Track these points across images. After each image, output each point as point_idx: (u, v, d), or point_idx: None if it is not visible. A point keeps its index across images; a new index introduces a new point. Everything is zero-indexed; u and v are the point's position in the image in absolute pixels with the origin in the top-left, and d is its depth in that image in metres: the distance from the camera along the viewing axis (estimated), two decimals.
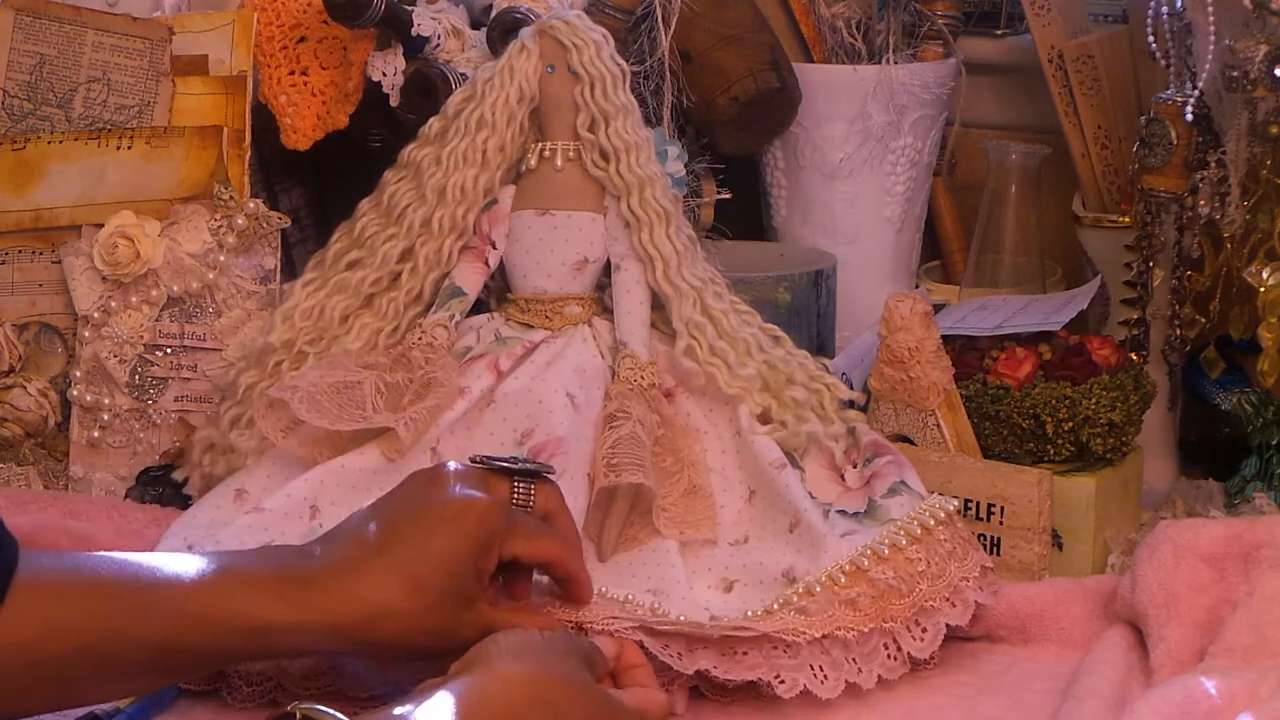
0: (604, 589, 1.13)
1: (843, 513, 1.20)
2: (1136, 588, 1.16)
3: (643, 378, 1.25)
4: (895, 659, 1.14)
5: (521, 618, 1.07)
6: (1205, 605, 1.14)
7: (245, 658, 1.07)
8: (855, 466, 1.25)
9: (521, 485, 1.10)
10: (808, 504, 1.20)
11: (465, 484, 1.06)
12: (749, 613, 1.12)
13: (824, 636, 1.11)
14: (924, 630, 1.14)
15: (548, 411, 1.22)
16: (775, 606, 1.12)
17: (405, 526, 1.04)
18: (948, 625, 1.16)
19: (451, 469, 1.08)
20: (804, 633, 1.10)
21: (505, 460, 1.11)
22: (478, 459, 1.10)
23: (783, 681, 1.10)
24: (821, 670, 1.11)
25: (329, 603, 1.01)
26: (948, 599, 1.15)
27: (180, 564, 1.03)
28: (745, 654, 1.11)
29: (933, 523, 1.17)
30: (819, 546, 1.15)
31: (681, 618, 1.11)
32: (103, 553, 1.04)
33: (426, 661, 1.04)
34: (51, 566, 1.01)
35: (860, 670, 1.12)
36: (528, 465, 1.11)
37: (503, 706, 0.93)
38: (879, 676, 1.13)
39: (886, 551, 1.15)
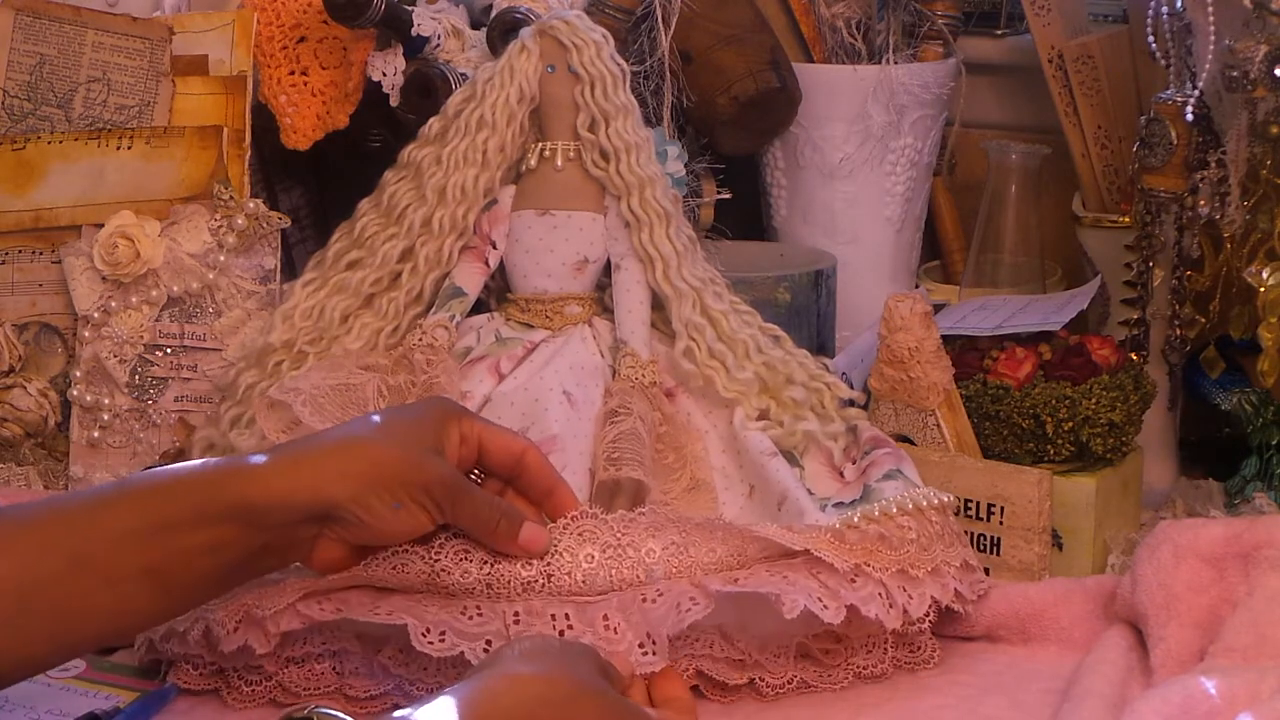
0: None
1: (840, 504, 1.20)
2: (1136, 588, 1.16)
3: (644, 376, 1.25)
4: (890, 608, 1.11)
5: (484, 491, 1.09)
6: (1205, 605, 1.14)
7: (238, 550, 1.03)
8: (854, 463, 1.25)
9: None
10: (795, 485, 1.20)
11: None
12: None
13: (811, 561, 1.09)
14: (911, 596, 1.13)
15: (543, 409, 1.22)
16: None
17: (375, 412, 1.10)
18: (945, 621, 1.16)
19: None
20: (790, 540, 1.09)
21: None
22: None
23: (783, 603, 1.08)
24: (820, 602, 1.09)
25: (319, 459, 1.03)
26: (930, 572, 1.14)
27: (163, 468, 1.05)
28: (747, 579, 1.09)
29: (925, 505, 1.17)
30: (806, 516, 1.16)
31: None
32: None
33: (412, 513, 1.05)
34: (20, 505, 1.02)
35: (860, 604, 1.10)
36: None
37: (509, 706, 0.92)
38: (876, 615, 1.10)
39: (877, 514, 1.14)
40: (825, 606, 1.08)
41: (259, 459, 1.03)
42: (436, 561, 1.07)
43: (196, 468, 1.04)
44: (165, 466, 1.08)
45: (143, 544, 0.99)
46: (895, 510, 1.15)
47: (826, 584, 1.10)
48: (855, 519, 1.13)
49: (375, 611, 1.07)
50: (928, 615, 1.14)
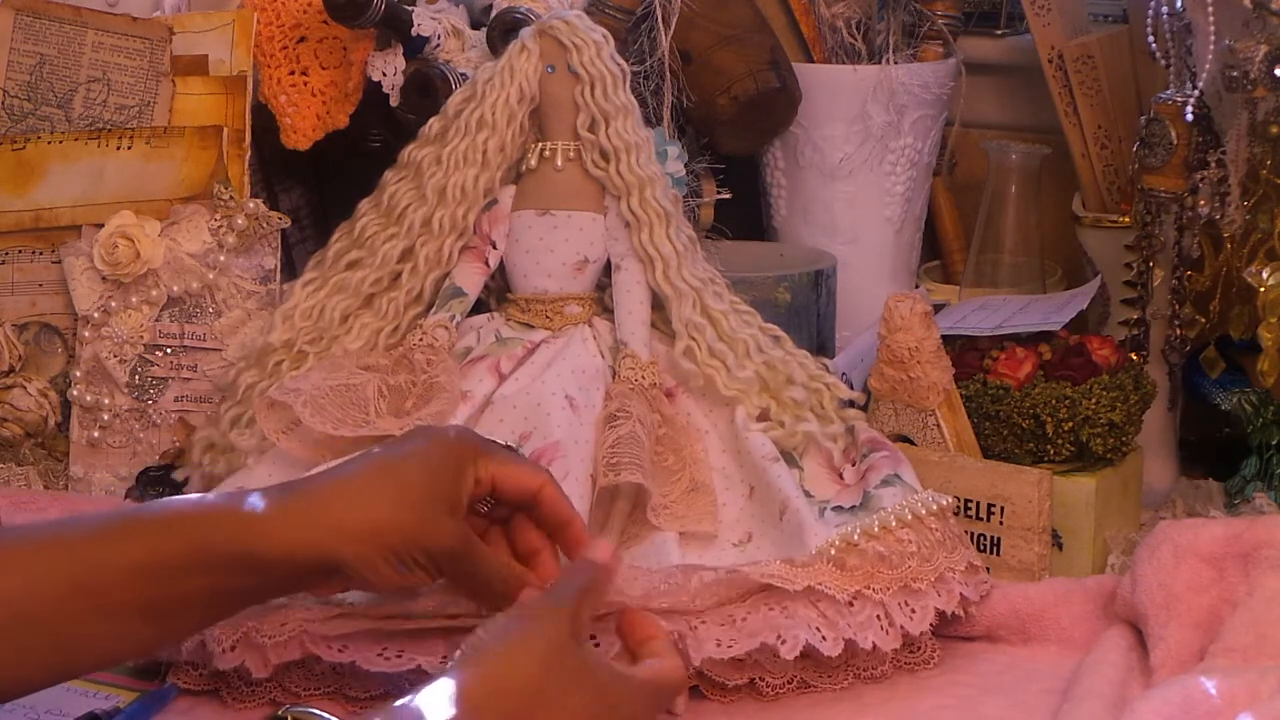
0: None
1: (839, 508, 1.20)
2: (1136, 588, 1.16)
3: (643, 377, 1.25)
4: (888, 631, 1.13)
5: (496, 552, 1.07)
6: (1205, 605, 1.14)
7: (238, 593, 1.02)
8: (853, 465, 1.25)
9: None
10: (796, 492, 1.20)
11: (446, 430, 1.10)
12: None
13: (813, 594, 1.10)
14: (913, 610, 1.14)
15: (545, 414, 1.22)
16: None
17: (392, 447, 1.06)
18: (945, 621, 1.16)
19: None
20: (791, 580, 1.09)
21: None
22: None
23: (784, 641, 1.09)
24: (819, 631, 1.10)
25: (325, 504, 1.01)
26: (934, 585, 1.15)
27: (170, 501, 1.04)
28: (745, 619, 1.10)
29: (924, 512, 1.17)
30: (806, 532, 1.16)
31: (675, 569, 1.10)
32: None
33: (416, 575, 1.04)
34: (26, 526, 1.02)
35: (856, 634, 1.11)
36: (508, 445, 1.13)
37: (499, 685, 0.93)
38: (874, 644, 1.12)
39: (876, 530, 1.14)
40: (824, 638, 1.10)
41: (265, 504, 1.01)
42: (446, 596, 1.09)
43: (202, 508, 1.03)
44: (172, 499, 1.06)
45: (142, 581, 0.98)
46: (894, 523, 1.15)
47: (825, 613, 1.11)
48: (855, 536, 1.14)
49: (384, 656, 1.08)
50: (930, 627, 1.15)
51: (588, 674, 0.96)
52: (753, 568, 1.11)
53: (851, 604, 1.11)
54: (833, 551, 1.13)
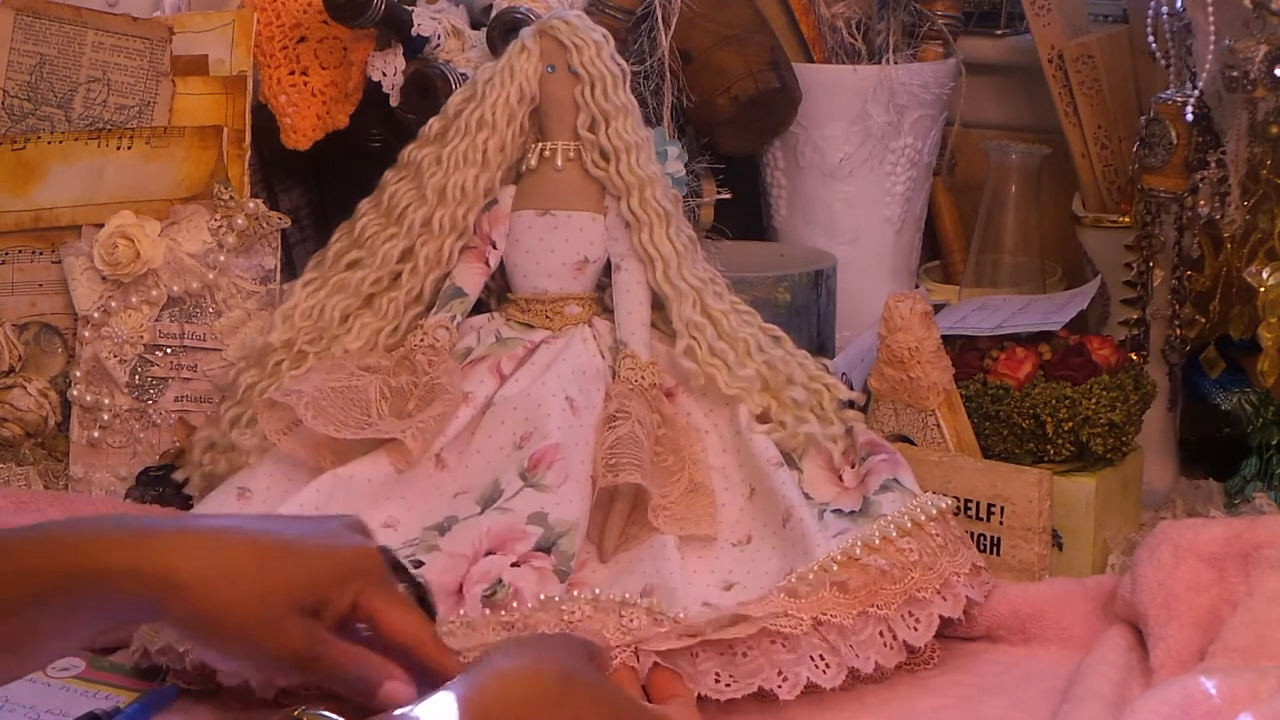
0: (598, 591, 1.13)
1: (839, 512, 1.20)
2: (1136, 588, 1.16)
3: (643, 377, 1.25)
4: (891, 647, 1.13)
5: (359, 655, 0.99)
6: (1205, 605, 1.14)
7: (63, 607, 0.95)
8: (853, 467, 1.25)
9: (404, 589, 1.05)
10: (800, 500, 1.20)
11: (361, 538, 1.03)
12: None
13: (818, 623, 1.11)
14: (917, 621, 1.14)
15: (545, 415, 1.22)
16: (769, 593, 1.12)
17: (286, 523, 1.01)
18: (945, 621, 1.16)
19: (358, 523, 1.05)
20: (795, 616, 1.10)
21: (406, 560, 1.10)
22: (384, 548, 1.05)
23: (786, 679, 1.10)
24: (822, 659, 1.11)
25: (168, 553, 0.94)
26: (938, 591, 1.15)
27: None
28: (746, 654, 1.10)
29: (924, 518, 1.17)
30: (809, 542, 1.16)
31: (681, 614, 1.10)
32: None
33: (243, 661, 0.99)
34: None
35: (858, 655, 1.12)
36: (420, 580, 1.08)
37: (499, 698, 0.92)
38: (876, 663, 1.12)
39: (877, 541, 1.14)
40: (826, 669, 1.10)
41: (103, 529, 0.95)
42: None
43: (36, 532, 0.97)
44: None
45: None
46: (895, 532, 1.15)
47: (828, 638, 1.11)
48: (856, 550, 1.13)
49: None
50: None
51: (606, 698, 0.96)
52: (758, 607, 1.10)
53: (856, 618, 1.12)
54: (834, 568, 1.13)
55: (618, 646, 1.09)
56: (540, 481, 1.18)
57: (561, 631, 1.05)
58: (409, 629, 1.01)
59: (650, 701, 1.06)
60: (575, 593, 1.12)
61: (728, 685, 1.10)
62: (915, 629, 1.14)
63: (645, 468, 1.19)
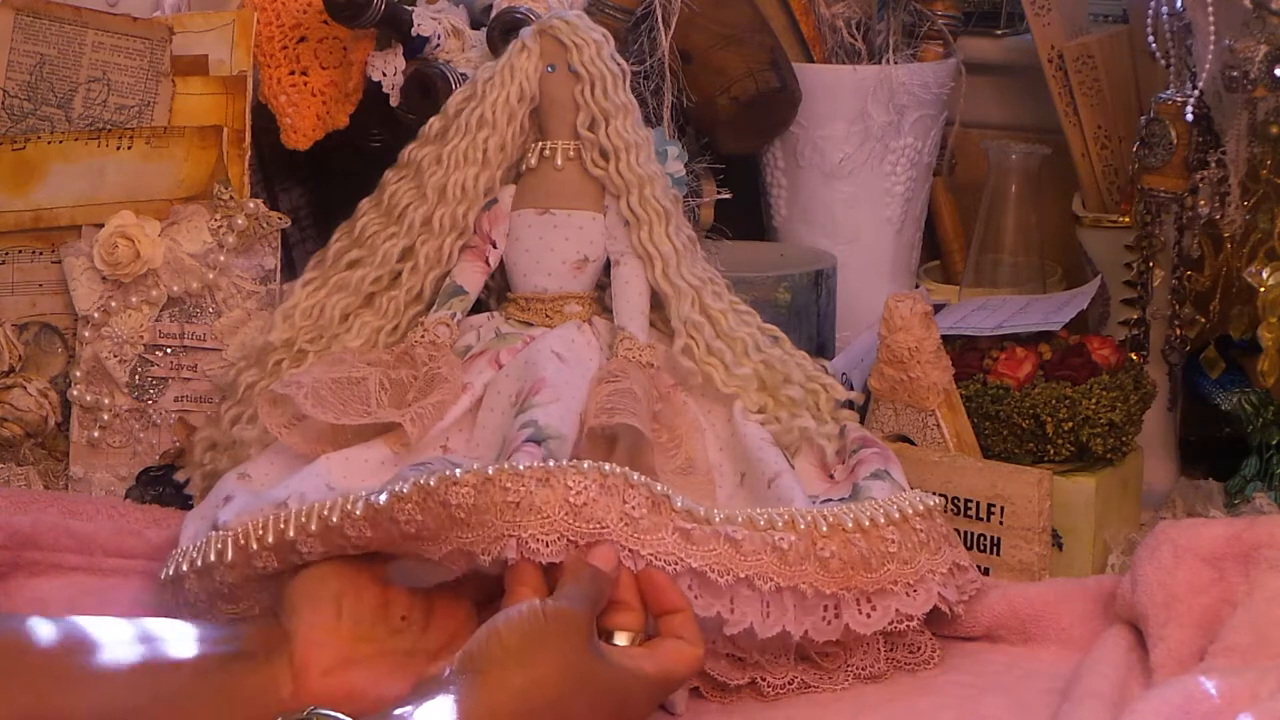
0: (608, 468, 1.09)
1: (828, 501, 1.20)
2: (1136, 588, 1.16)
3: (640, 355, 1.25)
4: (830, 624, 1.12)
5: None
6: (1205, 605, 1.14)
7: None
8: (844, 464, 1.25)
9: None
10: (786, 469, 1.20)
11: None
12: (739, 515, 1.10)
13: (791, 588, 1.10)
14: (872, 608, 1.13)
15: (537, 369, 1.22)
16: (760, 521, 1.10)
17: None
18: (945, 621, 1.17)
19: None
20: (773, 580, 1.09)
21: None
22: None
23: (733, 612, 1.08)
24: (768, 607, 1.09)
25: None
26: (910, 585, 1.14)
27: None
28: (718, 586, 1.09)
29: (910, 511, 1.16)
30: (793, 498, 1.15)
31: (680, 503, 1.09)
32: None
33: None
34: None
35: (797, 620, 1.10)
36: None
37: (500, 710, 0.92)
38: (807, 632, 1.11)
39: (866, 523, 1.13)
40: (766, 617, 1.09)
41: None
42: None
43: None
44: None
45: None
46: (883, 520, 1.15)
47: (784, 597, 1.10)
48: (849, 523, 1.13)
49: None
50: (907, 622, 1.14)
51: (601, 682, 0.96)
52: (748, 563, 1.08)
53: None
54: (824, 528, 1.11)
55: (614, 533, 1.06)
56: (531, 403, 1.18)
57: (563, 608, 1.00)
58: None
59: (649, 607, 1.05)
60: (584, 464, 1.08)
61: (701, 602, 1.08)
62: (868, 616, 1.12)
63: (641, 417, 1.18)
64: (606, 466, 1.08)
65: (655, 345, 1.27)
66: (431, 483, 1.06)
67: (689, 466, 1.22)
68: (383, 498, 1.06)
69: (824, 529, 1.12)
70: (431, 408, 1.21)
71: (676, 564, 1.07)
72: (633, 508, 1.07)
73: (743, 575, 1.08)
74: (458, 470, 1.06)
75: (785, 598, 1.10)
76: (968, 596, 1.19)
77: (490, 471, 1.06)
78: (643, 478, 1.08)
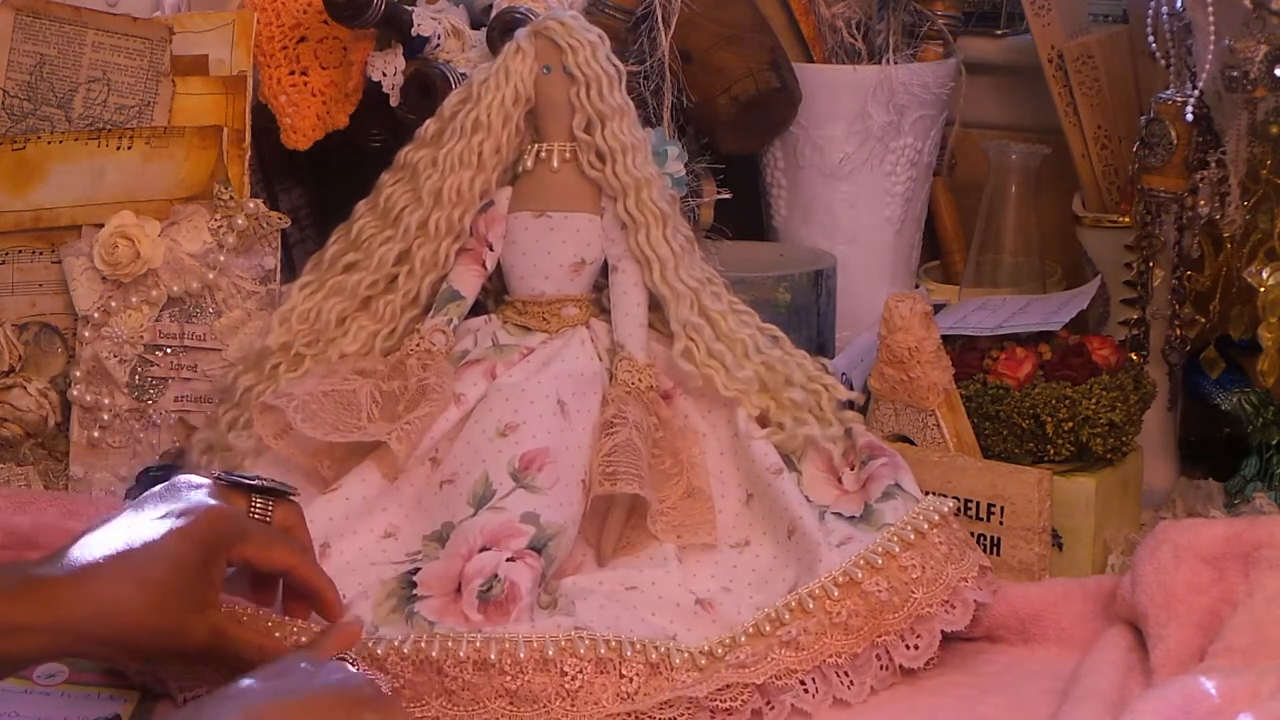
0: (586, 627, 1.11)
1: (839, 515, 1.20)
2: (1136, 588, 1.16)
3: (640, 380, 1.25)
4: (887, 669, 1.14)
5: (252, 634, 1.07)
6: (1205, 605, 1.14)
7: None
8: (852, 469, 1.24)
9: (260, 501, 1.10)
10: (804, 510, 1.19)
11: (200, 493, 1.07)
12: (742, 634, 1.11)
13: (815, 667, 1.12)
14: (919, 638, 1.14)
15: (537, 414, 1.22)
16: (766, 627, 1.11)
17: (141, 527, 1.04)
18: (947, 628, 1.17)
19: (189, 480, 1.08)
20: (796, 672, 1.10)
21: (247, 478, 1.11)
22: (219, 475, 1.10)
23: (773, 708, 1.11)
24: (814, 684, 1.12)
25: (61, 603, 0.99)
26: (946, 602, 1.15)
27: None
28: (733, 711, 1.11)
29: (926, 526, 1.17)
30: (814, 555, 1.16)
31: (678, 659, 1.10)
32: None
33: (159, 663, 1.06)
34: None
35: (852, 684, 1.13)
36: (269, 484, 1.11)
37: None
38: (871, 688, 1.13)
39: (880, 561, 1.14)
40: (814, 695, 1.11)
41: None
42: None
43: None
44: None
45: None
46: (898, 547, 1.15)
47: (823, 670, 1.12)
48: (858, 573, 1.13)
49: None
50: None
51: None
52: (759, 670, 1.10)
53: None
54: (835, 593, 1.12)
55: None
56: (532, 484, 1.18)
57: (332, 674, 0.98)
58: (279, 560, 1.09)
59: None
60: (580, 633, 1.10)
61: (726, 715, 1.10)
62: (915, 649, 1.14)
63: (643, 476, 1.18)
64: (609, 638, 1.09)
65: (654, 364, 1.27)
66: (433, 654, 1.08)
67: (691, 492, 1.22)
68: (380, 647, 1.09)
69: (836, 593, 1.12)
70: (418, 421, 1.21)
71: (686, 713, 1.09)
72: (629, 680, 1.08)
73: (759, 682, 1.10)
74: (463, 637, 1.09)
75: (817, 676, 1.11)
76: (991, 597, 1.19)
77: (493, 656, 1.08)
78: (641, 639, 1.09)
